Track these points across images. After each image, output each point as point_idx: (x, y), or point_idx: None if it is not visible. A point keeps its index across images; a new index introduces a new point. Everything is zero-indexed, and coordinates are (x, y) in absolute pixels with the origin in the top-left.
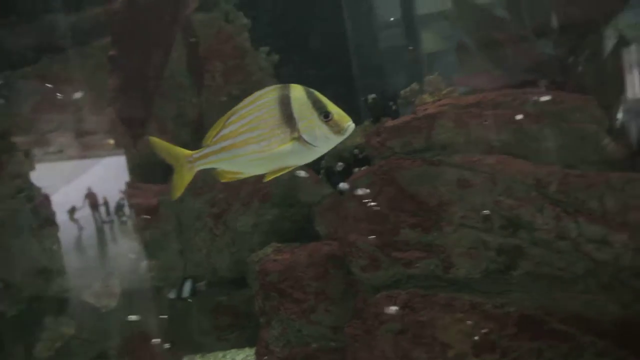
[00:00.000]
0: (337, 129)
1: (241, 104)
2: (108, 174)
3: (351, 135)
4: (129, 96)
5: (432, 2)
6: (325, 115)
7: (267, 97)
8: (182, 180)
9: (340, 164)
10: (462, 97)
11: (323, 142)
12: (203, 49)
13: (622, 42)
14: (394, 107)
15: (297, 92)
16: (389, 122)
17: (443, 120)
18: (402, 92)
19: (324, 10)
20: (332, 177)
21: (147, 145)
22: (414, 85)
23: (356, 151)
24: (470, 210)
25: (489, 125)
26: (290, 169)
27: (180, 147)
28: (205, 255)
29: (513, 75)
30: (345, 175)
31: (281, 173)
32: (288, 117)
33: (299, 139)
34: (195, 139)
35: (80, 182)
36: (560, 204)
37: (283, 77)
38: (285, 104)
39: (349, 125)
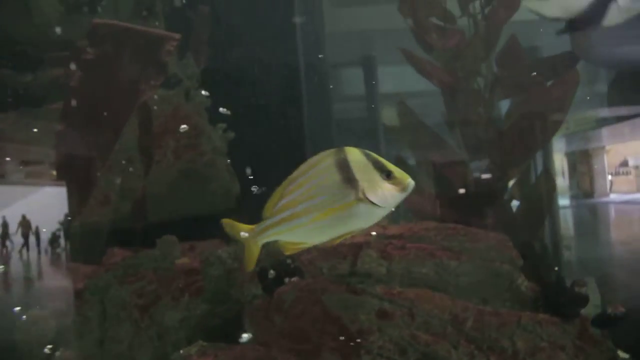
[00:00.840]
0: (400, 187)
1: (297, 172)
2: (48, 202)
3: None
4: (72, 173)
5: (394, 81)
6: (387, 175)
7: (324, 162)
8: (251, 255)
9: (272, 271)
10: (388, 227)
11: (387, 201)
12: (157, 124)
13: (547, 174)
14: None
15: (355, 154)
16: None
17: (368, 250)
18: None
19: (283, 95)
20: (264, 281)
21: (87, 217)
22: None
23: (289, 261)
24: (388, 342)
25: (411, 259)
26: (353, 233)
27: (120, 220)
28: (127, 347)
29: (446, 197)
30: (276, 282)
31: (344, 238)
32: (349, 180)
33: (364, 200)
34: (136, 213)
35: (16, 208)
36: (474, 341)
37: (236, 155)
38: (344, 168)
39: (410, 182)
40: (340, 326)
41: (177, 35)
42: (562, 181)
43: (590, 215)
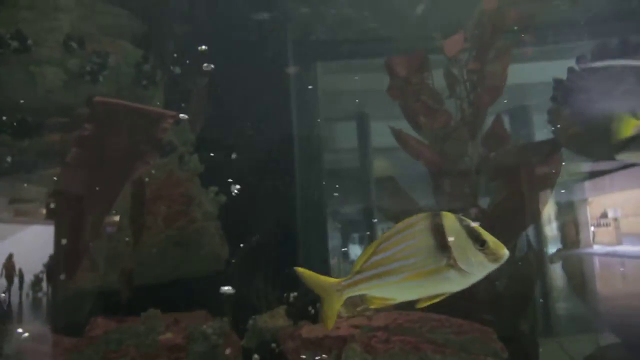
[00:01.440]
0: (493, 257)
1: (392, 231)
2: (35, 241)
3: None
4: (61, 247)
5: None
6: (481, 244)
7: (419, 225)
8: (332, 309)
9: (256, 356)
10: (373, 317)
11: (478, 269)
12: (150, 191)
13: (534, 252)
14: (312, 312)
15: (450, 220)
16: (305, 329)
17: (353, 344)
18: None
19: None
20: None
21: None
22: None
23: (274, 345)
24: None
25: (395, 352)
26: (443, 297)
27: (107, 287)
28: None
29: None
30: None
31: (434, 301)
32: (442, 245)
33: (455, 267)
34: (123, 280)
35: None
36: None
37: (227, 220)
38: (439, 232)
39: (505, 252)
40: None
41: (174, 113)
42: (549, 231)
43: (579, 269)
